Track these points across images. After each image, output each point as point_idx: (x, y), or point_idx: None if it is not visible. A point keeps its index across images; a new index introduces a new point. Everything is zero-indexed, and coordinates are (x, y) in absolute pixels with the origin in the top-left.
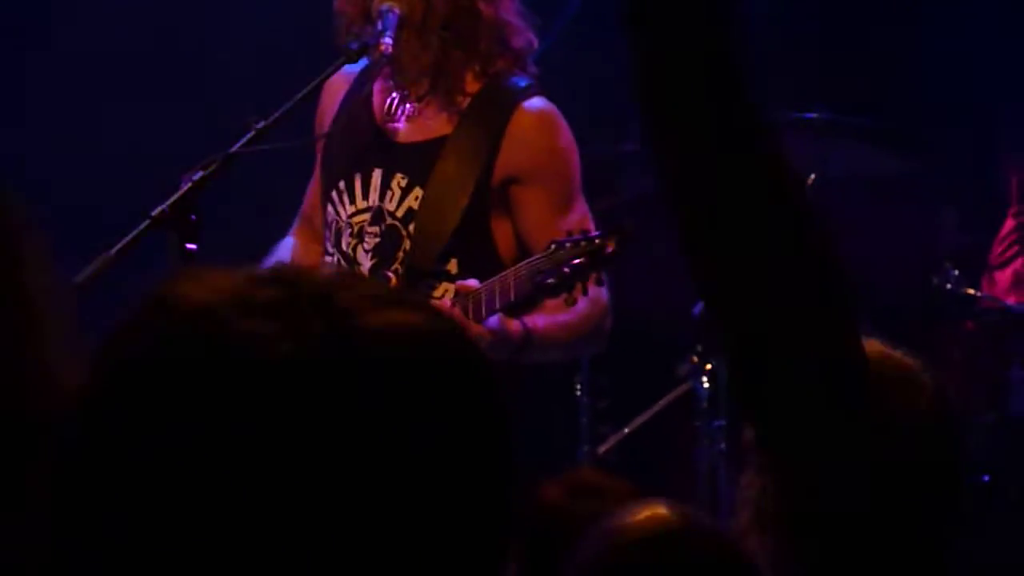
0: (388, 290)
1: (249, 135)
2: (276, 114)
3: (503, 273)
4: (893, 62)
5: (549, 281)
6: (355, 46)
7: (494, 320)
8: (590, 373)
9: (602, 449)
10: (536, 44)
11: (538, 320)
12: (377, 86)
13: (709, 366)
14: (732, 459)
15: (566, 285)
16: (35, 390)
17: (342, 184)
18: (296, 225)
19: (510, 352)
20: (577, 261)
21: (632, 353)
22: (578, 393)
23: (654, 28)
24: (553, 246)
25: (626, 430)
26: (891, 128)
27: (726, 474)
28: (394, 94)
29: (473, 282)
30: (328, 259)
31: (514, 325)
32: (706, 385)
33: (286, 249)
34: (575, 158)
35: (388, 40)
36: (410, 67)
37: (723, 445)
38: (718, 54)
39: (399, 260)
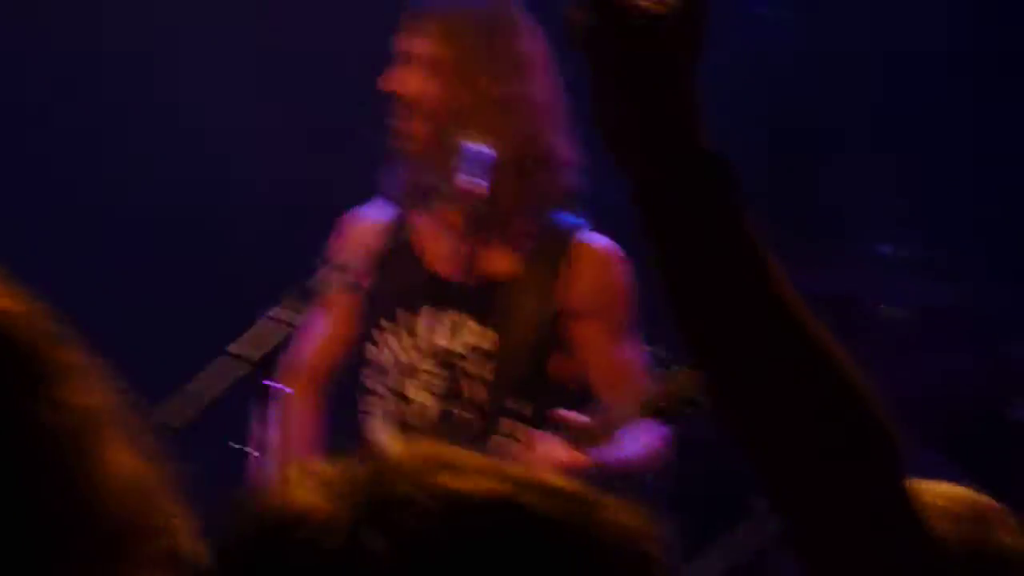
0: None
1: (334, 279)
2: (357, 261)
3: (612, 403)
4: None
5: (662, 406)
6: (436, 184)
7: (602, 452)
8: (658, 506)
9: None
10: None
11: (624, 452)
12: (422, 225)
13: None
14: None
15: (679, 412)
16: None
17: (399, 329)
18: (292, 376)
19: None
20: (689, 391)
21: (704, 487)
22: None
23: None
24: (662, 373)
25: None
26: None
27: None
28: (450, 234)
29: (573, 413)
30: (376, 399)
31: (610, 456)
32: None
33: (296, 416)
34: (633, 292)
35: (471, 178)
36: (481, 205)
37: None
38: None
39: (463, 399)
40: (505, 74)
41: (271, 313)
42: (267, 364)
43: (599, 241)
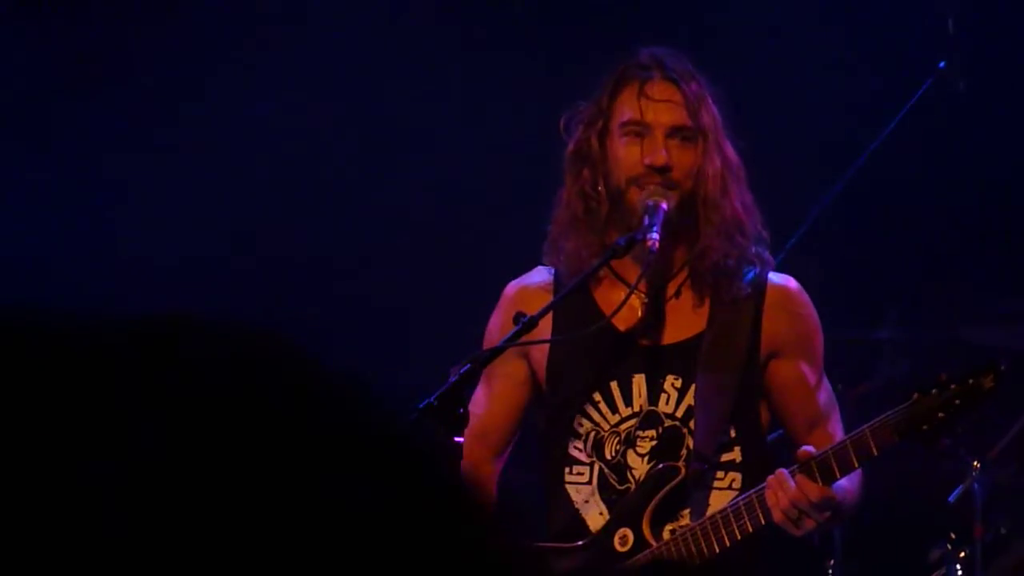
0: None
1: (517, 328)
2: (542, 310)
3: (856, 432)
4: None
5: (923, 428)
6: (623, 242)
7: (842, 482)
8: (843, 556)
9: None
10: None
11: (844, 485)
12: (598, 291)
13: (963, 553)
14: None
15: (940, 431)
16: None
17: (597, 395)
18: (466, 447)
19: (831, 521)
20: (957, 403)
21: (884, 538)
22: (830, 574)
23: None
24: (916, 395)
25: None
26: None
27: None
28: (636, 294)
29: (811, 448)
30: (586, 468)
31: (843, 492)
32: (960, 572)
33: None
34: (821, 330)
35: (655, 236)
36: (670, 263)
37: None
38: None
39: (683, 458)
40: (729, 139)
41: (460, 370)
42: (455, 420)
43: (791, 281)
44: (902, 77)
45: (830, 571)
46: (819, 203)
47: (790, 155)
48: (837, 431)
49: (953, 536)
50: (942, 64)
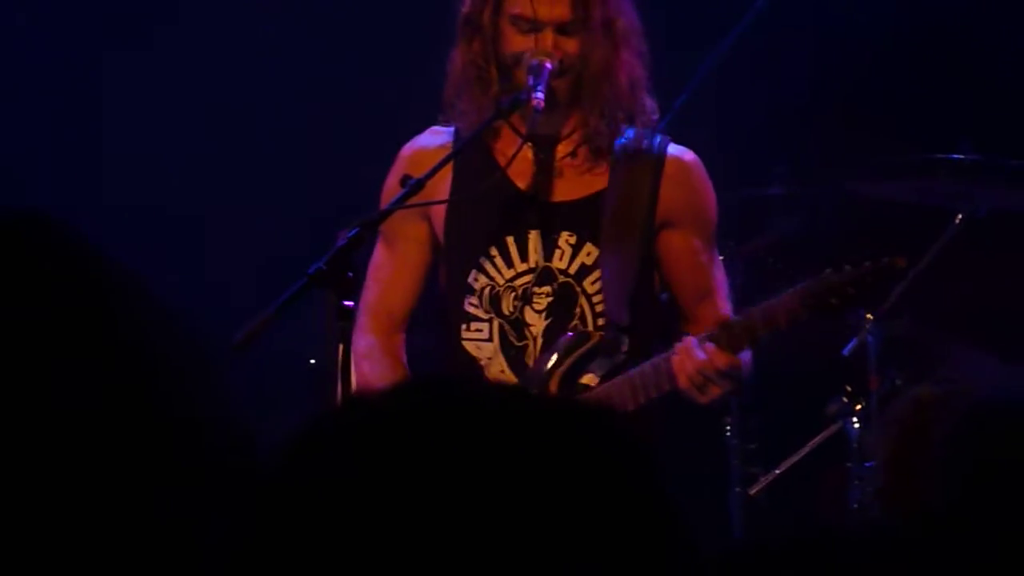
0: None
1: (404, 191)
2: (431, 169)
3: (765, 303)
4: None
5: (832, 301)
6: (506, 103)
7: (748, 353)
8: (740, 415)
9: (753, 491)
10: (656, 109)
11: (744, 355)
12: (498, 147)
13: (859, 406)
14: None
15: (848, 305)
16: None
17: (493, 249)
18: (366, 321)
19: (736, 387)
20: (868, 280)
21: (781, 394)
22: (728, 435)
23: None
24: (828, 271)
25: (777, 471)
26: None
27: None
28: (530, 153)
29: (725, 314)
30: (483, 324)
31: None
32: (856, 425)
33: (374, 357)
34: (715, 204)
35: (540, 95)
36: (558, 123)
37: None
38: None
39: (577, 317)
40: (626, 6)
41: (348, 234)
42: (344, 284)
43: (688, 153)
44: None
45: (728, 428)
46: (707, 60)
47: (678, 9)
48: (724, 305)
49: (849, 389)
50: None
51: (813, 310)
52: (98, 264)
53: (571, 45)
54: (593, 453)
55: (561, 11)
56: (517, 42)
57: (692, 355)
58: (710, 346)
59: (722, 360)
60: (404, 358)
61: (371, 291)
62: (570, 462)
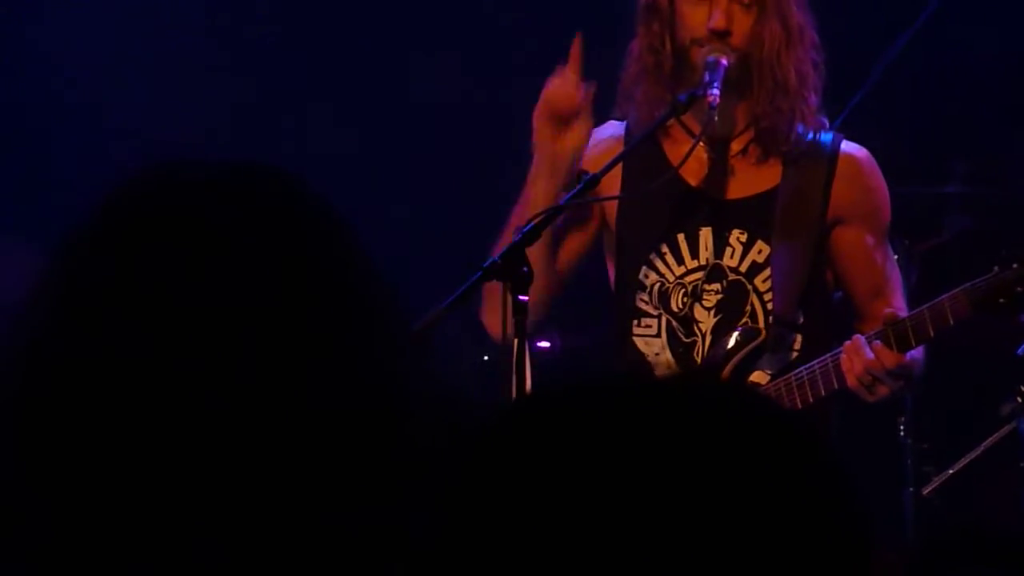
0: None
1: (580, 187)
2: (605, 166)
3: (934, 301)
4: None
5: (1000, 301)
6: (683, 98)
7: (918, 351)
8: (913, 414)
9: (926, 491)
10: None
11: (915, 352)
12: (669, 144)
13: None
14: None
15: (1018, 305)
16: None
17: (664, 246)
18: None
19: (907, 387)
20: None
21: (955, 394)
22: (901, 434)
23: None
24: (996, 268)
25: (951, 471)
26: None
27: None
28: (703, 150)
29: (896, 311)
30: (653, 320)
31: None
32: None
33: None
34: (889, 201)
35: (716, 92)
36: (730, 118)
37: None
38: None
39: (747, 314)
40: (801, 3)
41: (523, 228)
42: (519, 279)
43: (861, 150)
44: None
45: (902, 428)
46: (883, 58)
47: (852, 9)
48: (899, 303)
49: (1023, 390)
50: None
51: (981, 309)
52: (349, 241)
53: (745, 20)
54: (783, 450)
55: None
56: (693, 16)
57: (861, 354)
58: (878, 344)
59: (890, 359)
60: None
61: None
62: (761, 458)
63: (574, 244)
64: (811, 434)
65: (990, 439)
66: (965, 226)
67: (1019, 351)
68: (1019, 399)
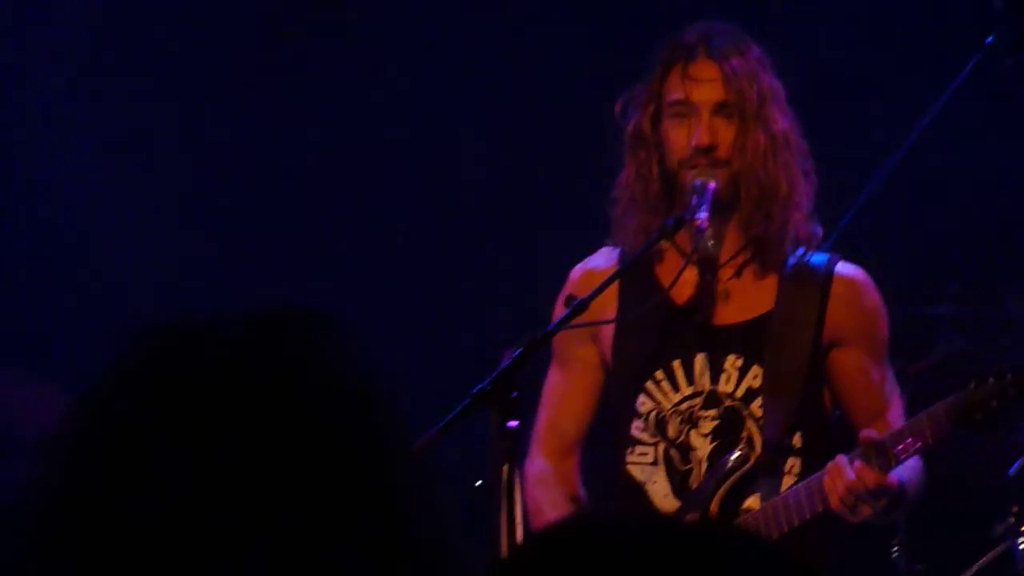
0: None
1: (567, 313)
2: (594, 291)
3: (913, 419)
4: None
5: (977, 417)
6: (671, 222)
7: (908, 472)
8: (907, 535)
9: None
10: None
11: (903, 475)
12: (661, 269)
13: None
14: None
15: (995, 419)
16: None
17: (659, 373)
18: (538, 444)
19: (890, 509)
20: (1012, 393)
21: (947, 515)
22: (895, 555)
23: None
24: (973, 383)
25: None
26: None
27: None
28: (695, 274)
29: (874, 432)
30: (649, 448)
31: (904, 477)
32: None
33: (548, 484)
34: (887, 321)
35: (704, 215)
36: (721, 241)
37: None
38: None
39: (743, 440)
40: (783, 110)
41: (513, 354)
42: (508, 404)
43: (857, 270)
44: (950, 51)
45: (895, 550)
46: (873, 178)
47: (842, 131)
48: (899, 423)
49: (1015, 509)
50: (989, 39)
51: (959, 425)
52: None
53: (727, 132)
54: None
55: (714, 93)
56: (677, 136)
57: (842, 474)
58: (859, 464)
59: (872, 479)
60: (578, 483)
61: (544, 413)
62: None
63: (588, 384)
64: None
65: (983, 559)
66: (958, 346)
67: (1010, 472)
68: (1012, 519)
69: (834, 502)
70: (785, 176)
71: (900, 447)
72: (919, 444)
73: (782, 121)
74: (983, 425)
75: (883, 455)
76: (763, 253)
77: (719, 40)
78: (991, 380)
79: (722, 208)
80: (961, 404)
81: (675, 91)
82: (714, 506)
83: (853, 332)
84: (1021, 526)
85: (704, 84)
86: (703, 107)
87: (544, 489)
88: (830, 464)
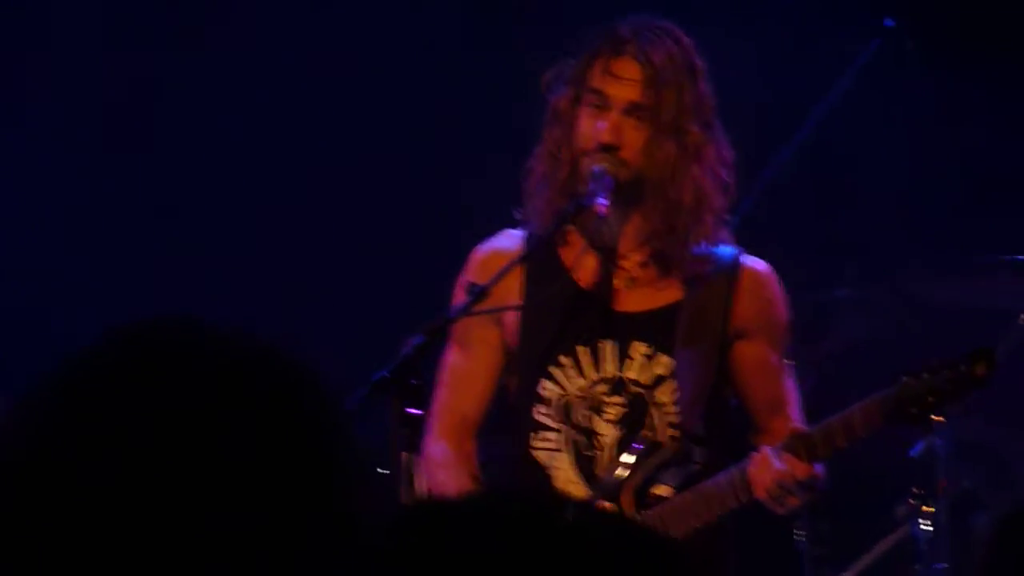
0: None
1: (470, 299)
2: (494, 278)
3: (844, 413)
4: None
5: (912, 411)
6: (571, 208)
7: (821, 465)
8: (810, 519)
9: None
10: (730, 210)
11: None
12: (566, 253)
13: (928, 508)
14: None
15: (928, 413)
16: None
17: (564, 358)
18: (438, 426)
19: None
20: (947, 389)
21: (850, 498)
22: (798, 540)
23: None
24: (905, 378)
25: (847, 575)
26: None
27: None
28: (601, 261)
29: (800, 424)
30: (553, 434)
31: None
32: (925, 527)
33: (450, 466)
34: (789, 314)
35: (603, 202)
36: (624, 231)
37: None
38: None
39: (648, 427)
40: (704, 120)
41: (413, 341)
42: (409, 392)
43: (762, 264)
44: (851, 34)
45: (798, 534)
46: (771, 164)
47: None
48: (797, 416)
49: (917, 491)
50: (889, 22)
51: (893, 420)
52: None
53: (636, 136)
54: None
55: (630, 92)
56: (587, 126)
57: (770, 466)
58: (788, 456)
59: (801, 470)
60: (476, 464)
61: (442, 395)
62: None
63: (488, 367)
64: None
65: (885, 542)
66: (860, 330)
67: (913, 452)
68: (913, 501)
69: (760, 493)
70: (693, 189)
71: (830, 440)
72: (851, 437)
73: (698, 132)
74: (915, 419)
75: (812, 449)
76: (664, 255)
77: (651, 41)
78: (924, 375)
79: (625, 200)
80: (894, 399)
81: (595, 81)
82: (626, 496)
83: (758, 324)
84: (923, 508)
85: (623, 82)
86: (616, 105)
87: (448, 471)
88: (756, 455)
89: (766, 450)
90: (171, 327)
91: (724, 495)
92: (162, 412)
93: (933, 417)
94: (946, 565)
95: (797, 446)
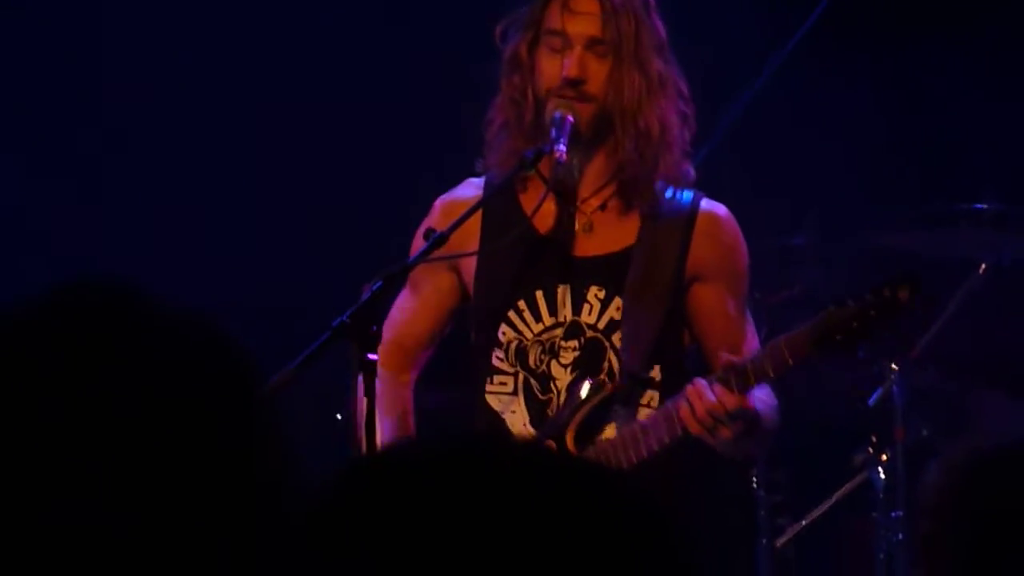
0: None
1: (427, 245)
2: (452, 224)
3: (771, 342)
4: None
5: (837, 338)
6: (531, 154)
7: (758, 392)
8: (767, 466)
9: (780, 542)
10: (691, 156)
11: (758, 405)
12: (526, 199)
13: (885, 456)
14: (910, 549)
15: (855, 340)
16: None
17: (521, 303)
18: (384, 354)
19: (747, 435)
20: (872, 314)
21: (806, 444)
22: (755, 486)
23: None
24: (831, 306)
25: (804, 522)
26: None
27: (904, 565)
28: (560, 206)
29: (733, 356)
30: (509, 378)
31: (760, 403)
32: (882, 475)
33: (386, 397)
34: (747, 258)
35: (562, 148)
36: (584, 177)
37: (900, 535)
38: None
39: (604, 371)
40: (663, 54)
41: (372, 287)
42: (368, 338)
43: (720, 207)
44: None
45: (754, 480)
46: (731, 111)
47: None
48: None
49: (874, 439)
50: None
51: (820, 347)
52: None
53: (600, 69)
54: (607, 518)
55: (590, 27)
56: (549, 66)
57: (703, 396)
58: (718, 387)
59: (731, 401)
60: (410, 398)
61: (387, 331)
62: (583, 527)
63: (436, 309)
64: (643, 503)
65: (842, 490)
66: (816, 278)
67: (870, 401)
68: (870, 449)
69: (693, 425)
70: (659, 118)
71: (759, 369)
72: (780, 365)
73: (659, 64)
74: (843, 346)
75: (742, 378)
76: (630, 189)
77: None
78: (850, 302)
79: (586, 142)
80: (820, 326)
81: (553, 21)
82: (570, 434)
83: (714, 268)
84: (880, 456)
85: (581, 17)
86: (577, 40)
87: (380, 401)
88: (689, 387)
89: (698, 381)
90: (96, 290)
91: (660, 429)
92: (71, 375)
93: (892, 366)
94: (902, 513)
95: (728, 377)
